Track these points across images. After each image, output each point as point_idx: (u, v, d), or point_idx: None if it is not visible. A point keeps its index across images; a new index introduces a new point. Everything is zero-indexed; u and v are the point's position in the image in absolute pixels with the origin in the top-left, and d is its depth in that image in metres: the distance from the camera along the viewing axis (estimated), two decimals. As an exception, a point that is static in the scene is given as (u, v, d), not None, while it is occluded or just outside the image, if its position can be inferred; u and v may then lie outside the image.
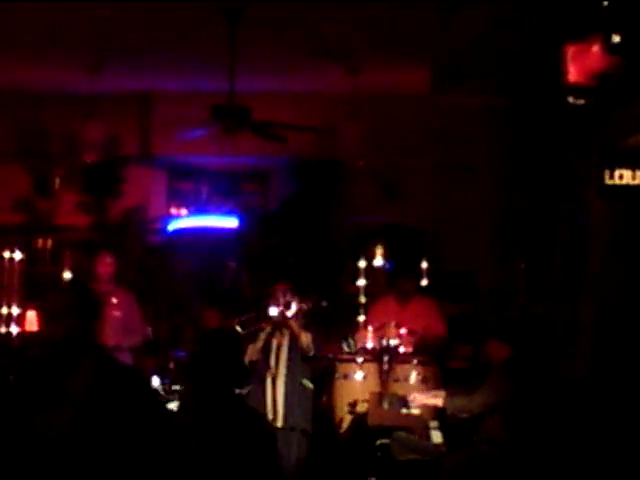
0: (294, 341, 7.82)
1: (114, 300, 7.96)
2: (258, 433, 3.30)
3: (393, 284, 9.60)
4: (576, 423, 6.55)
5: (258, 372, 7.87)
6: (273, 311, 7.76)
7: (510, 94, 10.40)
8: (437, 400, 7.12)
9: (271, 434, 3.75)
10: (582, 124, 8.40)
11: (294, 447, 7.65)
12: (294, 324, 7.86)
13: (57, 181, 12.96)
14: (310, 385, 7.93)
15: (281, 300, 7.84)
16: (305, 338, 7.82)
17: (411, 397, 7.32)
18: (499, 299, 10.37)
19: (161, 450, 2.99)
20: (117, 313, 7.98)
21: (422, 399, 7.26)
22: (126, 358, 8.00)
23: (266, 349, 7.84)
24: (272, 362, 7.81)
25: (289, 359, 7.85)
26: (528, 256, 9.96)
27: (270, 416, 7.70)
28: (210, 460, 1.79)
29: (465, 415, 6.88)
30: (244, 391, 8.03)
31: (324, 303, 8.32)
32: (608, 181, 7.69)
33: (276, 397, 7.76)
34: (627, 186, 7.71)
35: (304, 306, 7.91)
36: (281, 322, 7.82)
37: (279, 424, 7.72)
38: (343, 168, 12.55)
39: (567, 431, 6.39)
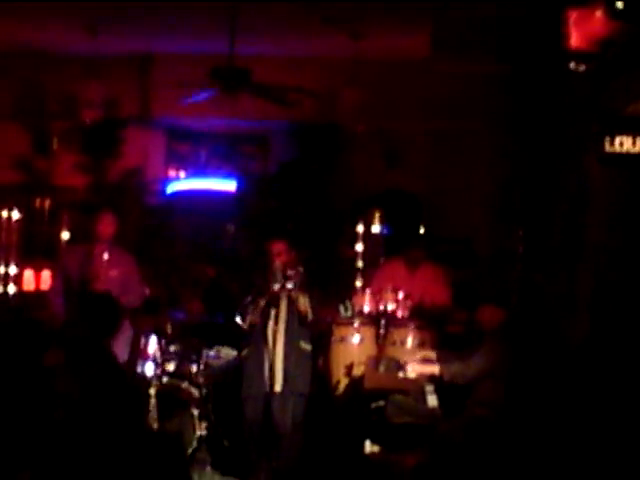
0: (292, 305, 7.81)
1: (112, 260, 7.95)
2: (126, 398, 3.27)
3: (402, 250, 9.56)
4: (573, 387, 6.58)
5: (256, 336, 7.86)
6: (275, 286, 7.71)
7: (511, 61, 10.34)
8: (434, 368, 7.15)
9: (139, 401, 3.67)
10: (583, 91, 8.36)
11: (290, 410, 7.66)
12: (292, 288, 7.83)
13: (55, 141, 12.92)
14: (308, 347, 7.94)
15: (278, 266, 7.78)
16: (303, 302, 7.80)
17: (408, 368, 7.33)
18: (497, 266, 10.38)
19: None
20: (115, 273, 7.98)
21: (419, 369, 7.27)
22: (122, 319, 8.01)
23: (265, 313, 7.82)
24: (270, 326, 7.80)
25: (287, 323, 7.84)
26: (526, 223, 9.94)
27: (268, 381, 7.71)
28: (81, 429, 1.77)
29: (462, 381, 6.91)
30: (243, 353, 8.05)
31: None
32: (608, 148, 7.66)
33: (274, 362, 7.76)
34: (627, 154, 7.69)
35: (300, 270, 7.87)
36: (279, 291, 7.78)
37: (277, 389, 7.72)
38: (343, 133, 12.53)
39: (563, 395, 6.42)
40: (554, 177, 9.28)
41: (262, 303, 7.82)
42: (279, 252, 7.84)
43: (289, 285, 7.70)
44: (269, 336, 7.77)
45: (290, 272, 7.74)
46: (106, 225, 8.05)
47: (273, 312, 7.79)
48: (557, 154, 9.23)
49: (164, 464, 1.52)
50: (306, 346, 7.92)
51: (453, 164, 12.49)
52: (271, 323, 7.77)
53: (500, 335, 6.82)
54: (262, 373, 7.74)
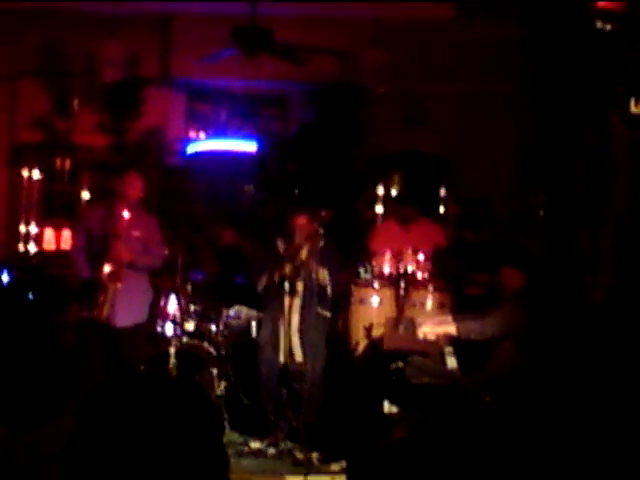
0: (311, 277, 7.77)
1: (135, 220, 7.91)
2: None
3: (395, 210, 9.56)
4: (594, 351, 6.55)
5: (273, 305, 7.83)
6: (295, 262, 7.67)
7: (535, 21, 10.24)
8: (448, 327, 7.13)
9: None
10: (608, 51, 8.27)
11: (308, 373, 7.64)
12: (311, 261, 7.77)
13: (76, 100, 12.91)
14: (327, 313, 7.93)
15: (300, 241, 7.73)
16: (322, 276, 7.77)
17: (420, 332, 7.29)
18: (518, 228, 10.33)
19: None
20: (137, 233, 7.92)
21: (432, 331, 7.24)
22: (142, 279, 8.02)
23: (282, 283, 7.76)
24: (287, 298, 7.75)
25: (305, 295, 7.80)
26: (548, 186, 9.89)
27: (286, 351, 7.68)
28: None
29: (478, 338, 6.89)
30: (259, 316, 8.04)
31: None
32: (634, 109, 7.59)
33: (291, 334, 7.74)
34: (653, 115, 7.63)
35: (321, 239, 7.81)
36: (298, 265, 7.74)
37: (298, 359, 7.70)
38: (364, 94, 12.46)
39: (584, 357, 6.39)
40: (577, 139, 9.21)
41: (278, 274, 7.77)
42: (302, 226, 7.80)
43: (310, 259, 7.68)
44: (285, 307, 7.73)
45: (312, 246, 7.72)
46: (133, 187, 7.98)
47: (290, 283, 7.74)
48: (581, 116, 9.15)
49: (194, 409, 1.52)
50: (324, 312, 7.90)
51: (475, 126, 12.41)
52: (288, 295, 7.72)
53: (521, 297, 6.79)
54: (277, 342, 7.72)
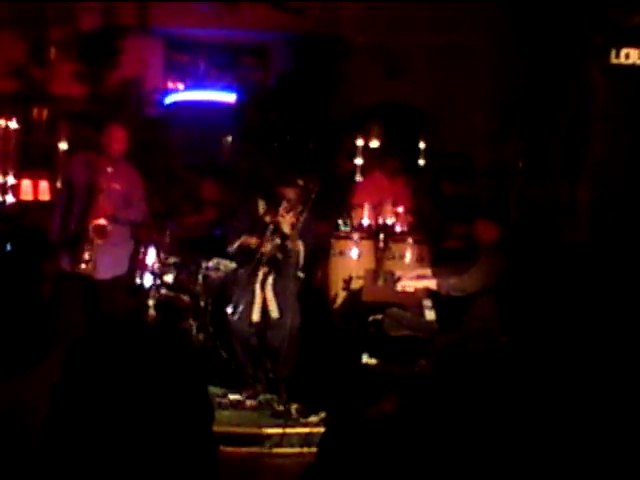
0: (286, 249, 7.70)
1: (117, 174, 7.83)
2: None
3: (381, 162, 9.53)
4: (573, 296, 6.59)
5: (245, 266, 7.79)
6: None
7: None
8: (429, 283, 7.16)
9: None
10: (588, 2, 8.23)
11: (286, 327, 7.60)
12: (291, 233, 7.70)
13: (53, 50, 12.76)
14: (301, 275, 7.90)
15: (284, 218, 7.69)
16: (297, 246, 7.72)
17: (399, 286, 7.32)
18: (496, 179, 10.34)
19: None
20: (118, 186, 7.82)
21: (412, 284, 7.28)
22: (123, 232, 7.96)
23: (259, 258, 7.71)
24: (262, 268, 7.71)
25: (279, 265, 7.73)
26: (527, 138, 9.88)
27: (259, 311, 7.65)
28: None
29: (458, 294, 6.93)
30: (232, 266, 7.98)
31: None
32: (614, 60, 7.57)
33: (265, 291, 7.71)
34: (633, 65, 7.60)
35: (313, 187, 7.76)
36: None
37: (275, 315, 7.66)
38: (344, 45, 12.38)
39: (563, 305, 6.43)
40: (557, 89, 9.19)
41: (258, 251, 7.71)
42: (289, 199, 7.72)
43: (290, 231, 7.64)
44: (259, 274, 7.68)
45: (294, 218, 7.68)
46: (116, 141, 7.85)
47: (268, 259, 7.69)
48: (560, 66, 9.13)
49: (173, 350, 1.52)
50: (298, 274, 7.86)
51: (454, 78, 12.36)
52: (262, 265, 7.68)
53: (497, 249, 6.82)
54: (253, 298, 7.67)
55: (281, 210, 7.69)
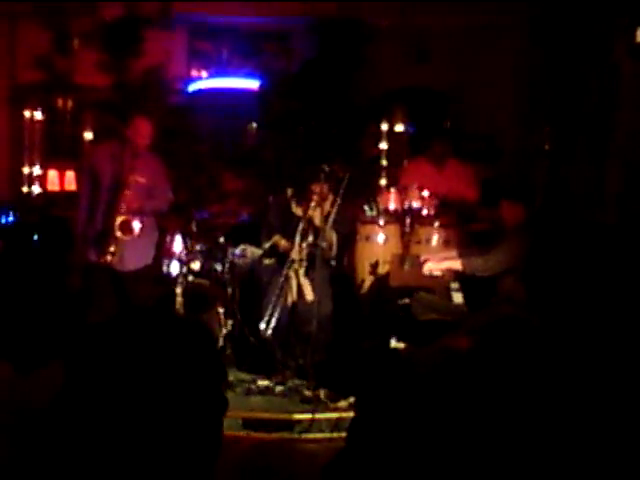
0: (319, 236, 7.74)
1: (142, 164, 7.81)
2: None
3: (426, 148, 9.43)
4: (600, 281, 6.53)
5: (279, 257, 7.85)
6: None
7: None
8: (453, 264, 7.14)
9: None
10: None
11: (316, 312, 7.62)
12: (323, 224, 7.73)
13: (76, 40, 12.78)
14: (333, 262, 7.94)
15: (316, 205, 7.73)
16: (330, 236, 7.76)
17: (426, 269, 7.31)
18: (522, 162, 10.28)
19: None
20: (143, 179, 7.81)
21: (437, 267, 7.26)
22: (149, 221, 7.97)
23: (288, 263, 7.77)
24: (295, 251, 7.75)
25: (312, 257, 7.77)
26: (554, 120, 9.81)
27: (294, 294, 7.70)
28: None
29: (482, 274, 6.91)
30: (265, 262, 8.00)
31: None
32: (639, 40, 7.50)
33: (300, 279, 7.75)
34: (659, 45, 7.53)
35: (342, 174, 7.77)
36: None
37: (309, 297, 7.69)
38: (367, 29, 12.32)
39: (590, 290, 6.38)
40: (582, 71, 9.11)
41: (284, 244, 7.77)
42: (319, 193, 7.75)
43: (322, 223, 7.67)
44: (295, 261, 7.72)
45: (324, 210, 7.71)
46: (141, 134, 7.81)
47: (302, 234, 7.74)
48: (585, 47, 9.04)
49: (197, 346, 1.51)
50: (330, 262, 7.91)
51: (480, 60, 12.29)
52: (295, 249, 7.72)
53: (522, 231, 6.79)
54: (288, 282, 7.71)
55: (312, 204, 7.72)
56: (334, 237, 7.79)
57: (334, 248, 7.82)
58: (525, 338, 2.00)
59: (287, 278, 7.67)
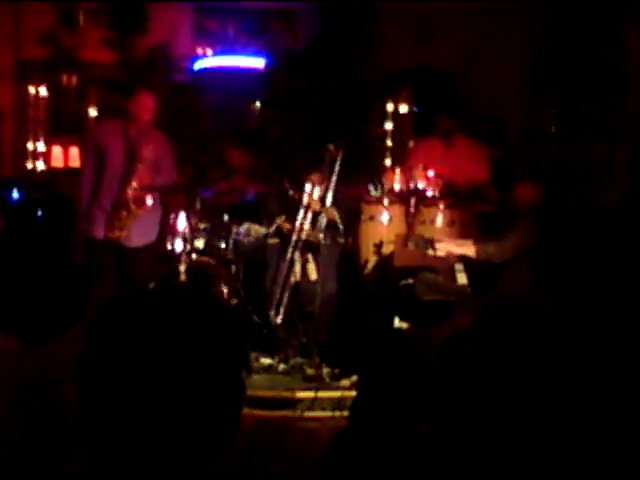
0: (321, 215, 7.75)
1: (147, 140, 7.81)
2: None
3: (432, 126, 9.34)
4: (608, 262, 6.51)
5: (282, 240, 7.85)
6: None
7: None
8: (467, 250, 7.14)
9: None
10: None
11: (319, 290, 7.63)
12: (322, 204, 7.74)
13: (81, 16, 12.75)
14: (341, 240, 7.94)
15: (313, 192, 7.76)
16: (332, 214, 7.75)
17: (438, 245, 7.30)
18: (529, 144, 10.25)
19: None
20: (149, 154, 7.82)
21: (450, 248, 7.26)
22: (154, 197, 7.96)
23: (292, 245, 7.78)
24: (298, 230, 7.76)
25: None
26: (560, 101, 9.77)
27: (298, 272, 7.71)
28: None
29: (497, 261, 6.91)
30: (269, 241, 8.00)
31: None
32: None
33: (306, 256, 7.76)
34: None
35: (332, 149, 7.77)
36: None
37: (313, 277, 7.71)
38: (373, 8, 12.27)
39: (598, 273, 6.37)
40: (591, 53, 9.06)
41: (287, 226, 7.78)
42: (313, 179, 7.77)
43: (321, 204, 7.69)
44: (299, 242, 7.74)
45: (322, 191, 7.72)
46: (145, 109, 7.80)
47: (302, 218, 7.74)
48: (594, 30, 8.99)
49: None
50: (338, 239, 7.91)
51: (486, 41, 12.22)
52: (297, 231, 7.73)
53: (534, 214, 6.77)
54: (292, 260, 7.72)
55: (307, 191, 7.74)
56: (336, 214, 7.78)
57: (338, 223, 7.81)
58: (532, 319, 1.99)
59: (292, 261, 7.68)
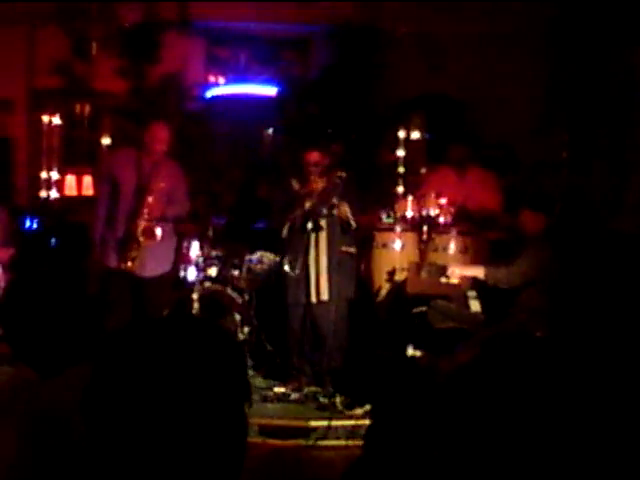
0: (331, 211, 7.76)
1: (161, 171, 7.80)
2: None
3: (445, 153, 9.35)
4: (618, 292, 6.51)
5: (298, 244, 7.83)
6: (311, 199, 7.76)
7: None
8: (477, 271, 7.14)
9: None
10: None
11: (333, 315, 7.64)
12: (331, 196, 7.76)
13: (95, 45, 12.82)
14: (352, 249, 7.94)
15: (314, 178, 7.81)
16: (343, 208, 7.76)
17: (449, 271, 7.32)
18: (540, 171, 10.24)
19: None
20: (163, 185, 7.81)
21: (461, 271, 7.27)
22: (169, 227, 7.95)
23: (304, 223, 7.78)
24: (312, 236, 7.77)
25: (329, 231, 7.81)
26: (572, 128, 9.76)
27: (314, 290, 7.72)
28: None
29: (505, 286, 6.91)
30: (284, 261, 8.01)
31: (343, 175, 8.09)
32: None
33: (319, 271, 7.76)
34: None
35: (342, 175, 7.81)
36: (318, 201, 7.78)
37: (324, 297, 7.72)
38: (385, 36, 12.31)
39: (610, 301, 6.36)
40: (601, 77, 9.06)
41: (299, 212, 7.78)
42: (316, 162, 7.81)
43: (328, 195, 7.69)
44: (311, 246, 7.75)
45: (328, 182, 7.75)
46: (159, 140, 7.78)
47: (313, 221, 7.76)
48: (605, 53, 8.98)
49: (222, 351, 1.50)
50: (350, 249, 7.91)
51: (497, 69, 12.25)
52: (312, 233, 7.75)
53: (542, 240, 6.77)
54: (307, 282, 7.75)
55: (312, 178, 7.78)
56: (348, 209, 7.79)
57: (349, 215, 7.81)
58: (525, 352, 2.00)
59: (307, 274, 7.72)
